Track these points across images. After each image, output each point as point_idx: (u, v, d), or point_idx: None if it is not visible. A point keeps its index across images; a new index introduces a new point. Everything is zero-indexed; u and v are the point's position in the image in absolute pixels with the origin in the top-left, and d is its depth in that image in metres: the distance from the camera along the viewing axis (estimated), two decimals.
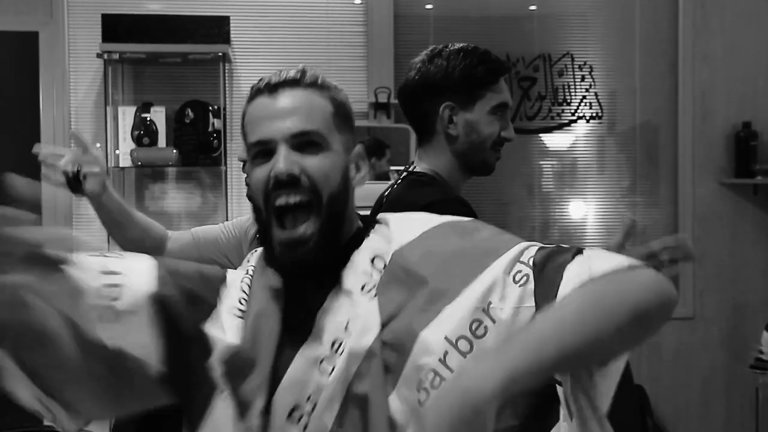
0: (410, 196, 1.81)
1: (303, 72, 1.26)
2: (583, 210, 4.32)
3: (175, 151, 3.79)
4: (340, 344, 1.17)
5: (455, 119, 1.85)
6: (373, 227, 1.29)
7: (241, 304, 1.25)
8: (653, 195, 4.28)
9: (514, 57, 4.14)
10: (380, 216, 1.32)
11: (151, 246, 2.14)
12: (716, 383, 4.26)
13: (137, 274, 1.20)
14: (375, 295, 1.19)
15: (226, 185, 3.87)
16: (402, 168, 2.02)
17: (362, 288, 1.20)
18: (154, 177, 4.02)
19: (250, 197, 1.29)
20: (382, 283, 1.20)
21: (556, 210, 4.30)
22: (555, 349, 1.01)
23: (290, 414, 1.17)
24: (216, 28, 3.77)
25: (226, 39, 3.78)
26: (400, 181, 1.92)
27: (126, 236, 2.10)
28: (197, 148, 3.84)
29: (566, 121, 4.24)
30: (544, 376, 1.03)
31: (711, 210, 4.22)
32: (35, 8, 3.94)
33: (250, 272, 1.29)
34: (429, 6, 4.19)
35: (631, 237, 1.82)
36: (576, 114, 4.24)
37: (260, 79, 1.27)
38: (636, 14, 4.24)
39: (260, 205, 1.23)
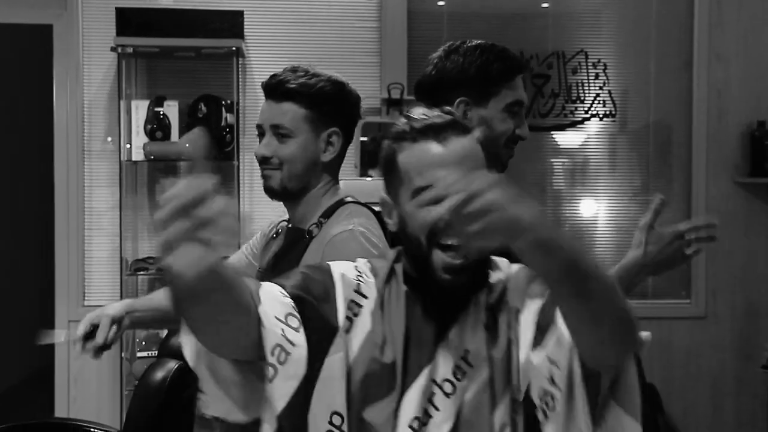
0: None
1: (456, 117, 1.37)
2: (594, 208, 4.31)
3: (187, 145, 3.78)
4: (461, 371, 1.32)
5: (469, 115, 1.85)
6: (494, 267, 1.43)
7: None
8: (666, 193, 4.19)
9: (528, 54, 4.12)
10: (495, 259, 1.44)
11: None
12: (727, 383, 4.24)
13: (302, 353, 1.30)
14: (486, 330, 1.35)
15: (238, 180, 3.87)
16: None
17: (484, 325, 1.34)
18: (166, 171, 4.02)
19: (403, 231, 1.38)
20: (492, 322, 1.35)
21: (568, 208, 4.28)
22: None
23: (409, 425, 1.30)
24: (230, 23, 3.77)
25: (239, 33, 3.78)
26: None
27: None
28: (210, 142, 3.83)
29: (579, 119, 4.22)
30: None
31: (724, 209, 4.19)
32: (49, 1, 3.95)
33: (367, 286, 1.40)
34: (441, 2, 4.19)
35: (659, 216, 1.82)
36: (589, 112, 4.22)
37: (411, 120, 1.37)
38: (651, 12, 4.22)
39: (422, 240, 1.33)
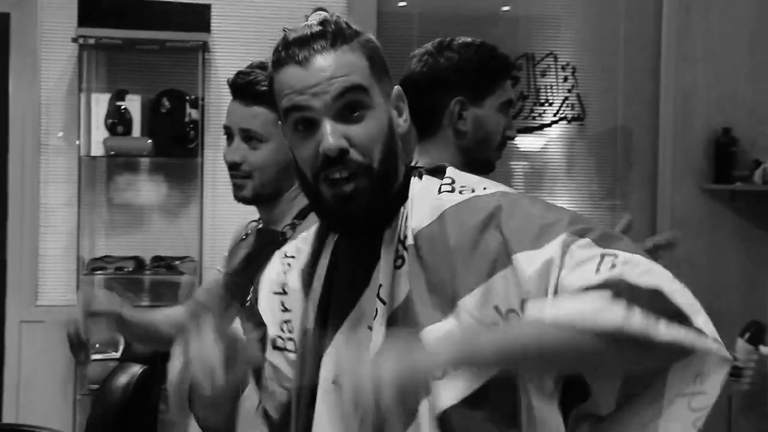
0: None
1: (327, 28, 1.23)
2: None
3: (149, 141, 3.72)
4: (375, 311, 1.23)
5: (465, 114, 1.80)
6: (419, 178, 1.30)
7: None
8: (631, 199, 4.26)
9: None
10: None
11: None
12: None
13: None
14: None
15: (201, 178, 3.79)
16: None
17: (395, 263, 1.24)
18: (126, 167, 3.92)
19: (295, 165, 1.27)
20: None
21: None
22: (513, 358, 1.12)
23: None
24: (196, 16, 3.73)
25: (206, 27, 3.74)
26: None
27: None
28: (172, 138, 3.76)
29: (548, 122, 4.21)
30: (492, 371, 1.15)
31: (689, 215, 4.21)
32: None
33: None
34: (403, 3, 4.16)
35: (628, 234, 1.81)
36: (557, 115, 4.21)
37: (283, 41, 1.24)
38: (620, 16, 4.23)
39: (309, 178, 1.23)
